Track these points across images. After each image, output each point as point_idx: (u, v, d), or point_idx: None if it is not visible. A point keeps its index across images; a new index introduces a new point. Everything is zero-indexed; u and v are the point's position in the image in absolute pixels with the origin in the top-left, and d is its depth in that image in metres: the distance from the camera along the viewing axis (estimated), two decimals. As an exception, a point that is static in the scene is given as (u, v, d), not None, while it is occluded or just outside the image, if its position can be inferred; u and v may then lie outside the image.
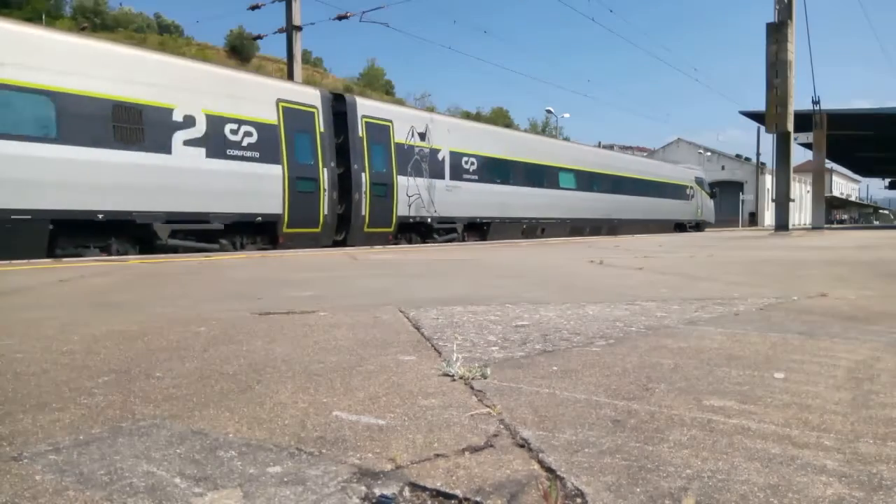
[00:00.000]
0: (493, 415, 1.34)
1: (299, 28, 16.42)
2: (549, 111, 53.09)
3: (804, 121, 19.98)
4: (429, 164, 13.31)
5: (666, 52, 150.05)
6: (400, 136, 12.74)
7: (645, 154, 54.32)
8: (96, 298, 3.54)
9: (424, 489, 0.98)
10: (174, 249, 8.99)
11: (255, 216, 9.99)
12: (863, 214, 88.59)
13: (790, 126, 17.34)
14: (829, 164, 44.34)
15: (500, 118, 77.48)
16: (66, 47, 8.30)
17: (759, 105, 18.41)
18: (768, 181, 44.28)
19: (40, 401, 1.47)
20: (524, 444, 1.16)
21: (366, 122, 12.07)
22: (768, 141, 57.24)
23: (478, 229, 14.99)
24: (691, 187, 26.13)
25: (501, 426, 1.27)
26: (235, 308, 3.03)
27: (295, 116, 10.69)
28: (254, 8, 17.31)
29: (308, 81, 16.24)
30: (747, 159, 52.66)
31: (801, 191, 52.51)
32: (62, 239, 8.14)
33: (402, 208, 12.69)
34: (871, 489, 0.97)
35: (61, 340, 2.21)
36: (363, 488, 0.98)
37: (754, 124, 36.20)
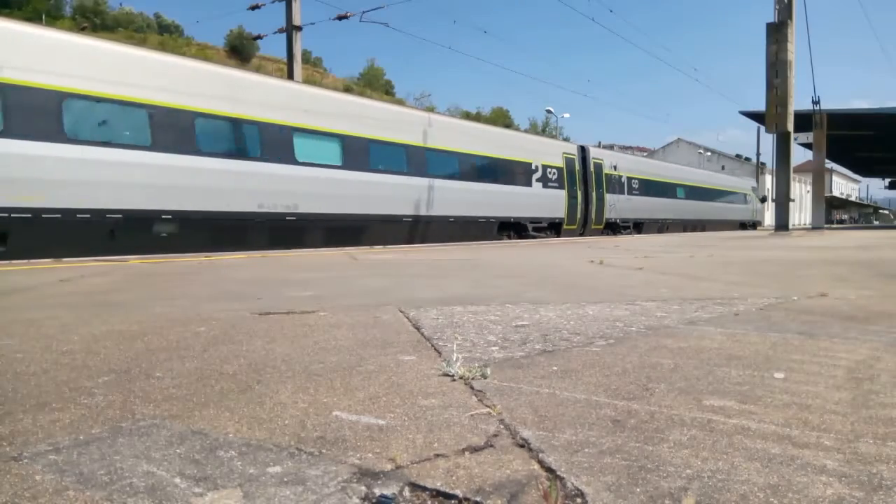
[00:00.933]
0: (493, 415, 1.34)
1: (299, 28, 16.41)
2: (549, 111, 53.10)
3: (804, 121, 19.97)
4: (617, 185, 20.63)
5: (666, 52, 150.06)
6: (606, 168, 20.18)
7: (645, 154, 54.40)
8: (96, 298, 3.54)
9: (424, 489, 0.98)
10: (530, 236, 16.67)
11: (555, 218, 17.73)
12: (863, 214, 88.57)
13: (790, 126, 17.32)
14: (829, 164, 44.32)
15: (501, 118, 77.47)
16: (477, 129, 17.00)
17: (759, 105, 18.43)
18: (768, 181, 44.30)
19: (40, 401, 1.47)
20: (524, 444, 1.16)
21: (593, 162, 19.46)
22: (768, 141, 57.32)
23: (637, 227, 21.98)
24: (749, 194, 33.80)
25: (501, 426, 1.27)
26: (235, 308, 3.03)
27: (568, 161, 18.39)
28: (254, 8, 17.29)
29: (308, 81, 16.32)
30: (747, 159, 52.72)
31: (801, 191, 52.54)
32: (498, 230, 15.62)
33: (607, 213, 20.00)
34: (871, 489, 0.97)
35: (61, 340, 2.21)
36: (363, 488, 0.98)
37: (754, 124, 36.20)
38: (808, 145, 22.93)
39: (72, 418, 1.33)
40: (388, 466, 1.06)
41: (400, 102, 47.76)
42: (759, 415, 1.33)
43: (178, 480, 1.01)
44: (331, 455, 1.11)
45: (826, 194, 28.98)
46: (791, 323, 2.50)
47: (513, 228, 16.47)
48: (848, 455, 1.11)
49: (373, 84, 73.13)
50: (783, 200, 18.51)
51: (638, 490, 0.96)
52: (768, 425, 1.26)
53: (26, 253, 7.24)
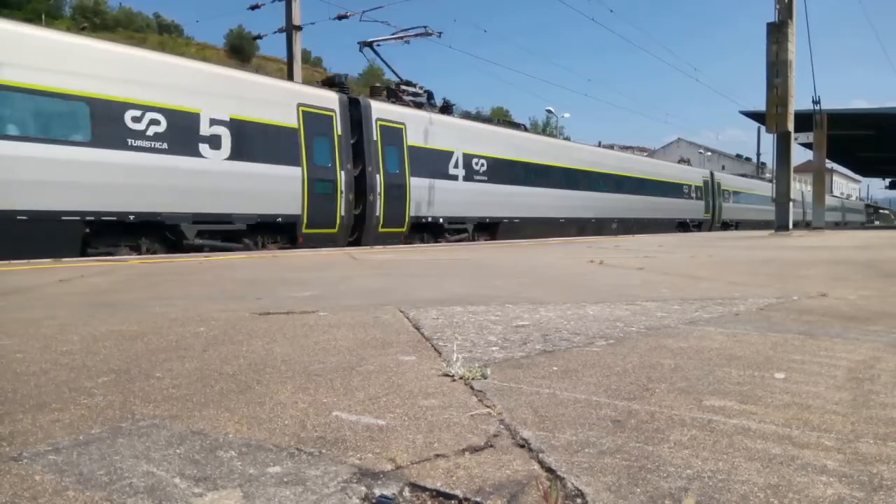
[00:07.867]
0: (493, 415, 1.34)
1: (299, 28, 16.41)
2: (549, 111, 53.05)
3: (804, 121, 19.95)
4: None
5: (667, 52, 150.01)
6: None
7: (646, 154, 54.39)
8: (96, 298, 3.54)
9: (424, 489, 0.98)
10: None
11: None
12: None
13: (790, 126, 17.30)
14: (830, 164, 44.35)
15: (500, 118, 77.26)
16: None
17: (760, 104, 18.42)
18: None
19: (40, 401, 1.46)
20: (524, 445, 1.16)
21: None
22: (769, 140, 57.37)
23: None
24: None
25: (501, 426, 1.26)
26: (235, 308, 3.03)
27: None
28: (254, 8, 17.31)
29: (307, 81, 16.23)
30: (748, 159, 52.78)
31: (801, 190, 52.57)
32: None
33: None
34: (872, 489, 0.97)
35: (61, 340, 2.21)
36: (363, 488, 0.98)
37: (754, 124, 36.25)
38: (808, 145, 22.92)
39: (71, 418, 1.33)
40: (388, 467, 1.06)
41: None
42: (759, 415, 1.33)
43: (177, 480, 1.01)
44: (331, 455, 1.11)
45: (827, 194, 29.02)
46: (791, 323, 2.50)
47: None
48: (848, 455, 1.11)
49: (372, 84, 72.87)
50: (783, 200, 18.49)
51: (638, 490, 0.96)
52: (769, 425, 1.26)
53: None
